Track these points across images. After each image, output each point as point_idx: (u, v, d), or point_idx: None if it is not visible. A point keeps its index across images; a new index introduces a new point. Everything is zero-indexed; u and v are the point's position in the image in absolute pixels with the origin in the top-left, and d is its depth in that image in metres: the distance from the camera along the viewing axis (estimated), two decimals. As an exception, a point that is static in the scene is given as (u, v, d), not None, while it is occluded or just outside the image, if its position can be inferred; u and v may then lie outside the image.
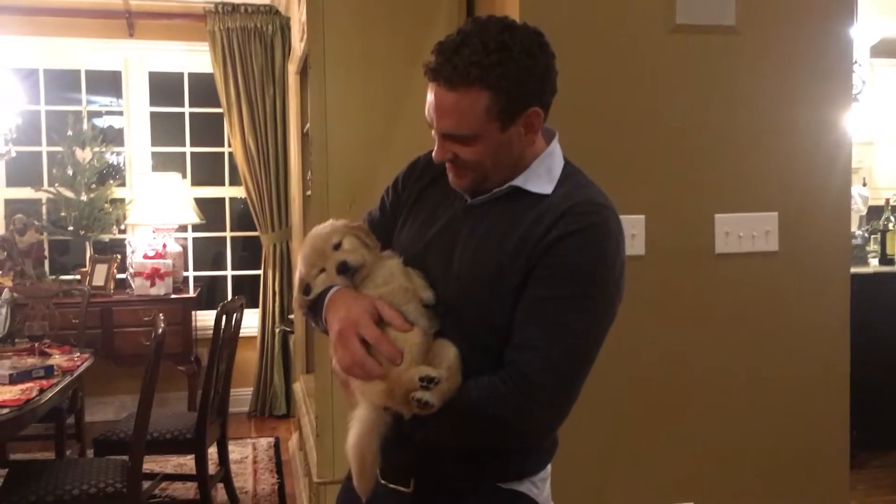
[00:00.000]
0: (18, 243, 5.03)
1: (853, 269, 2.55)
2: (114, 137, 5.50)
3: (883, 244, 4.64)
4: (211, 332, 3.61)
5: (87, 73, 5.47)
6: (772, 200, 2.37)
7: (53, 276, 5.21)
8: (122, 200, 5.39)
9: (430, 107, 1.35)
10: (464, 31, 1.33)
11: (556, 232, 1.31)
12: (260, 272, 5.48)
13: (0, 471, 3.47)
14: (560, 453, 1.49)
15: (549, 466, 1.48)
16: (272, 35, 5.26)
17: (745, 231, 2.35)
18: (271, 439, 4.93)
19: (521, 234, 1.34)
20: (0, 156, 4.89)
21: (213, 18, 5.21)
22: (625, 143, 2.29)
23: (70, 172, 5.21)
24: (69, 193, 5.19)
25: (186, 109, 5.61)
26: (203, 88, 5.51)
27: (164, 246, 5.19)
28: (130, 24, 5.31)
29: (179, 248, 5.35)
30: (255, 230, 5.46)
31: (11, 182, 5.37)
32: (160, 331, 2.94)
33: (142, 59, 5.45)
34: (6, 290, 4.26)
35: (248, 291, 5.65)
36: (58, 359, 3.45)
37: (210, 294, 5.70)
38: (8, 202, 5.32)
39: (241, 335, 3.95)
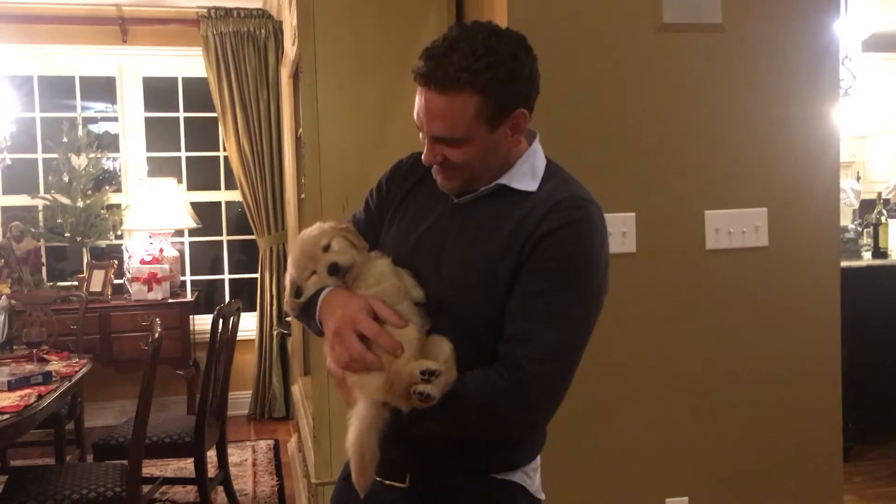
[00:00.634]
0: (15, 250, 5.05)
1: (846, 263, 2.56)
2: (109, 143, 5.52)
3: (876, 238, 4.65)
4: (209, 335, 3.63)
5: (82, 79, 5.48)
6: (761, 196, 2.39)
7: (51, 283, 5.23)
8: (118, 206, 5.41)
9: (420, 110, 1.38)
10: (450, 37, 1.36)
11: (545, 227, 1.35)
12: (257, 275, 5.50)
13: (0, 477, 3.49)
14: (554, 450, 1.51)
15: (539, 457, 1.51)
16: (265, 39, 5.28)
17: (734, 227, 2.37)
18: (271, 442, 4.94)
19: (510, 230, 1.37)
20: (-4, 164, 4.91)
21: (206, 23, 5.22)
22: (614, 142, 2.31)
23: (66, 179, 5.23)
24: (65, 200, 5.21)
25: (181, 114, 5.62)
26: (197, 93, 5.53)
27: (161, 251, 5.20)
28: (124, 30, 5.32)
29: (176, 253, 5.36)
30: (252, 234, 5.48)
31: (7, 189, 5.38)
32: (157, 335, 2.96)
33: (136, 64, 5.46)
34: (4, 297, 4.26)
35: (245, 294, 5.67)
36: (56, 365, 3.47)
37: (208, 298, 5.71)
38: (4, 209, 5.33)
39: (239, 338, 3.96)
